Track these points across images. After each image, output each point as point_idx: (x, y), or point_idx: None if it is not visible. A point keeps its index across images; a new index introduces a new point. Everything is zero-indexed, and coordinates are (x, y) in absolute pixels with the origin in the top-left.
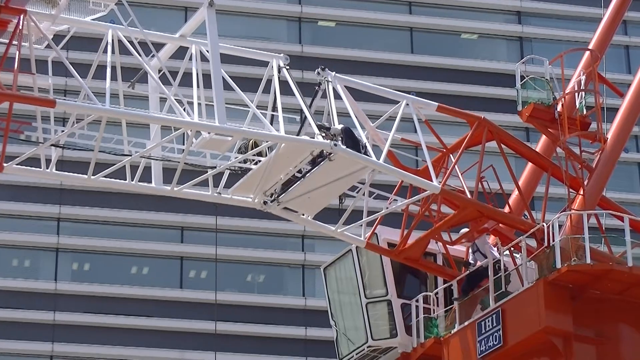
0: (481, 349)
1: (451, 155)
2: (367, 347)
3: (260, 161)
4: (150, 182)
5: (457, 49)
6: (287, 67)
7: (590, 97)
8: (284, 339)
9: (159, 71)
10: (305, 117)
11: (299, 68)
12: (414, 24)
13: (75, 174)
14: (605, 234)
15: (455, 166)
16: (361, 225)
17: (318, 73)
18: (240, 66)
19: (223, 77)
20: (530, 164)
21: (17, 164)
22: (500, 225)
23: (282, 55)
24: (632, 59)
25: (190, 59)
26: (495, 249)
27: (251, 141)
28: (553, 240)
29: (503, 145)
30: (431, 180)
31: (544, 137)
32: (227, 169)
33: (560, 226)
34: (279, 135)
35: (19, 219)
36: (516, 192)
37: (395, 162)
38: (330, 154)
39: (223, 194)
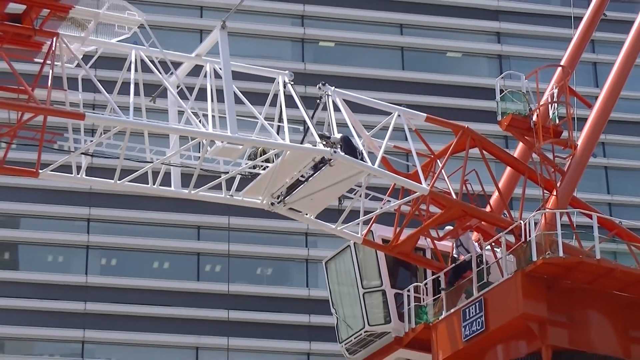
0: (466, 333)
1: (438, 160)
2: (364, 332)
3: (268, 167)
4: (169, 186)
5: (443, 66)
6: (292, 83)
7: (562, 108)
8: (289, 325)
9: (177, 87)
10: (308, 127)
11: (302, 84)
12: (405, 43)
13: (103, 179)
14: (576, 231)
15: (442, 170)
16: (358, 223)
17: (319, 88)
18: (250, 82)
19: (234, 92)
20: (508, 168)
21: (51, 171)
22: (482, 222)
23: (287, 72)
24: (599, 74)
25: (205, 76)
26: (477, 244)
27: (260, 149)
28: (529, 236)
29: (484, 152)
30: (420, 183)
31: (521, 144)
32: (238, 174)
33: (535, 223)
34: (284, 144)
35: (54, 219)
36: (496, 193)
37: (388, 167)
38: (330, 160)
39: (235, 196)
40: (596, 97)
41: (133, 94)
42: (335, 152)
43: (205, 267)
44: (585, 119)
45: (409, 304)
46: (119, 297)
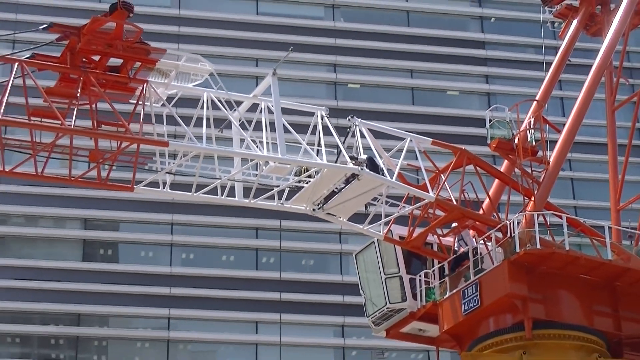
0: (465, 308)
1: (442, 175)
2: (386, 308)
3: (309, 181)
4: (234, 196)
5: (444, 102)
6: (327, 116)
7: (537, 133)
8: (328, 304)
9: (239, 120)
10: (341, 150)
11: (335, 117)
12: (414, 84)
13: (183, 192)
14: (550, 228)
15: (445, 182)
16: (380, 224)
17: (348, 120)
18: (295, 116)
19: (283, 124)
20: (496, 180)
21: (143, 186)
22: (476, 223)
23: (323, 108)
24: (566, 107)
25: (260, 111)
26: (474, 239)
27: (303, 167)
28: (514, 233)
29: (478, 168)
30: (428, 193)
31: (506, 162)
32: (287, 187)
33: (518, 223)
34: (322, 163)
35: (145, 223)
36: (487, 200)
37: (403, 180)
38: (358, 175)
39: (284, 204)
40: (564, 125)
41: (205, 126)
42: (362, 169)
43: (262, 259)
44: (556, 142)
45: (420, 286)
46: (196, 283)
